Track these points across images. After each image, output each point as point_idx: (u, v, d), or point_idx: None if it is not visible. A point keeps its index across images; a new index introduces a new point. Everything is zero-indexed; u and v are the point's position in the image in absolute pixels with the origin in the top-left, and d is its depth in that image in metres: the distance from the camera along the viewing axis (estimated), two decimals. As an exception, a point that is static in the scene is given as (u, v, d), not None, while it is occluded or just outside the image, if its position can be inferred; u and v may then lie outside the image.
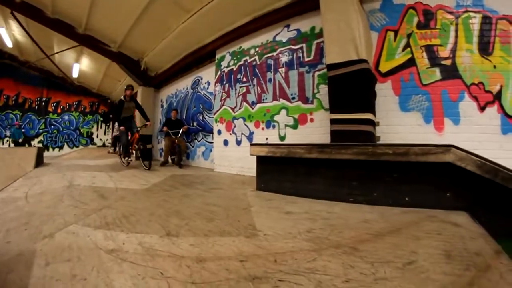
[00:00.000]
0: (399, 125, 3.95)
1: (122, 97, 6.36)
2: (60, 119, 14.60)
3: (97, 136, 15.69)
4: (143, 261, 1.51)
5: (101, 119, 15.81)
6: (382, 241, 1.90)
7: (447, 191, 2.73)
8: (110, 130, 15.31)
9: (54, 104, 14.46)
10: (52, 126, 14.35)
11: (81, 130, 15.18)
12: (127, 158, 6.75)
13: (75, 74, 12.04)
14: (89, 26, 7.82)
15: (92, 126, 15.56)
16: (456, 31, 3.93)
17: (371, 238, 1.93)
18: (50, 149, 13.95)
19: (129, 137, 6.80)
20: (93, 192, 3.59)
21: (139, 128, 6.58)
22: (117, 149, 12.31)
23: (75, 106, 15.01)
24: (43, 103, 14.15)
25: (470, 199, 2.64)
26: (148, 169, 6.03)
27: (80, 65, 11.38)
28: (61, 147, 14.39)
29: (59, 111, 14.59)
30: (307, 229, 2.08)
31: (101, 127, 15.82)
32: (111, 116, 15.75)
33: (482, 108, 3.77)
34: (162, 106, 9.98)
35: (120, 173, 5.46)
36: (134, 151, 6.84)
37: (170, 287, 1.25)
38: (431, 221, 2.43)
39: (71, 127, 14.89)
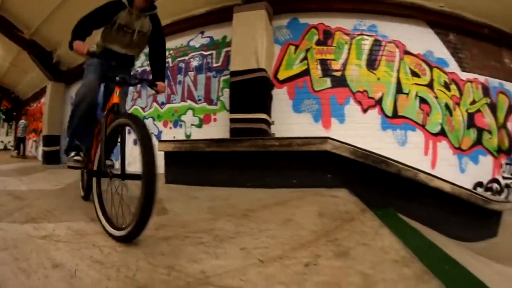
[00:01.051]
0: (292, 124, 4.74)
1: None
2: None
3: (-2, 138, 13.60)
4: (76, 239, 1.85)
5: (3, 117, 13.33)
6: (269, 210, 2.57)
7: (327, 173, 3.54)
8: (13, 131, 13.40)
9: None
10: None
11: (-22, 130, 12.98)
12: (74, 155, 2.81)
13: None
14: (4, 5, 6.96)
15: (-8, 125, 13.42)
16: (349, 49, 4.85)
17: (260, 208, 2.60)
18: None
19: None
20: (7, 195, 3.51)
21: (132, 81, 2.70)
22: (21, 152, 11.03)
23: (-29, 100, 12.74)
24: None
25: (348, 178, 3.41)
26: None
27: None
28: (-50, 149, 12.13)
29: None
30: (208, 206, 2.67)
31: (2, 127, 13.63)
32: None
33: (364, 110, 4.81)
34: (72, 103, 9.43)
35: (30, 177, 5.29)
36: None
37: (102, 252, 1.65)
38: (313, 196, 3.13)
39: (-35, 126, 12.64)
